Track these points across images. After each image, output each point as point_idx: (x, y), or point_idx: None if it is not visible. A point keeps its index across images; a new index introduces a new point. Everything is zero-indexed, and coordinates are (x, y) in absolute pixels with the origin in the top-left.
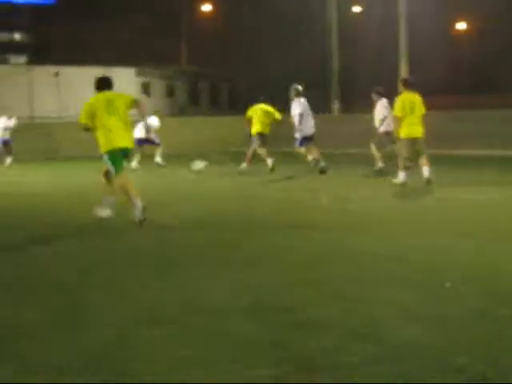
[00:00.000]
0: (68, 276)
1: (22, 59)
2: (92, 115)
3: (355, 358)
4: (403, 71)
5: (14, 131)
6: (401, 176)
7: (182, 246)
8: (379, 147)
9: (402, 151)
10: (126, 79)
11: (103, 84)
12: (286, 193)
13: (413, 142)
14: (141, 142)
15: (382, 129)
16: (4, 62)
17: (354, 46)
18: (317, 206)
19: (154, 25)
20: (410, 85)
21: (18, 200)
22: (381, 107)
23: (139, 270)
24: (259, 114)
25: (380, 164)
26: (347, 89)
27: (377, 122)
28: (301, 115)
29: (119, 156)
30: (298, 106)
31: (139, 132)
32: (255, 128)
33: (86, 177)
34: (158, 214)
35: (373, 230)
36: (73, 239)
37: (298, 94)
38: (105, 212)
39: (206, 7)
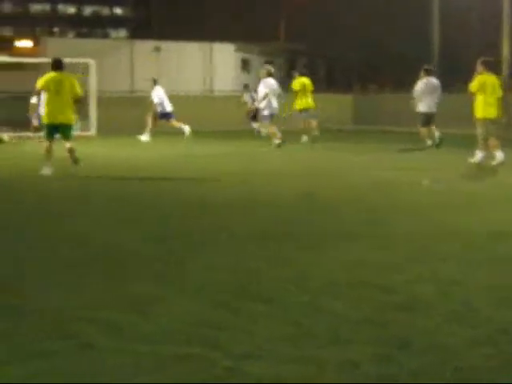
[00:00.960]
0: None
1: (123, 33)
2: (45, 89)
3: (455, 340)
4: (505, 49)
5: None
6: (478, 156)
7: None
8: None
9: (481, 132)
10: (225, 55)
11: (57, 65)
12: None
13: (489, 122)
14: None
15: (420, 108)
16: (105, 36)
17: (458, 21)
18: (413, 186)
19: (254, 1)
20: (491, 67)
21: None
22: (421, 85)
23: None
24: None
25: (430, 141)
26: (451, 66)
27: (415, 100)
28: (267, 94)
29: (52, 129)
30: (265, 86)
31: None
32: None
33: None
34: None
35: (467, 208)
36: None
37: (269, 75)
38: (45, 171)
39: None
